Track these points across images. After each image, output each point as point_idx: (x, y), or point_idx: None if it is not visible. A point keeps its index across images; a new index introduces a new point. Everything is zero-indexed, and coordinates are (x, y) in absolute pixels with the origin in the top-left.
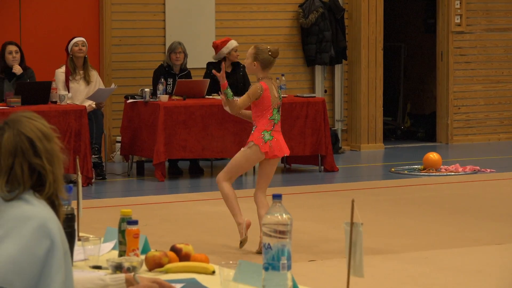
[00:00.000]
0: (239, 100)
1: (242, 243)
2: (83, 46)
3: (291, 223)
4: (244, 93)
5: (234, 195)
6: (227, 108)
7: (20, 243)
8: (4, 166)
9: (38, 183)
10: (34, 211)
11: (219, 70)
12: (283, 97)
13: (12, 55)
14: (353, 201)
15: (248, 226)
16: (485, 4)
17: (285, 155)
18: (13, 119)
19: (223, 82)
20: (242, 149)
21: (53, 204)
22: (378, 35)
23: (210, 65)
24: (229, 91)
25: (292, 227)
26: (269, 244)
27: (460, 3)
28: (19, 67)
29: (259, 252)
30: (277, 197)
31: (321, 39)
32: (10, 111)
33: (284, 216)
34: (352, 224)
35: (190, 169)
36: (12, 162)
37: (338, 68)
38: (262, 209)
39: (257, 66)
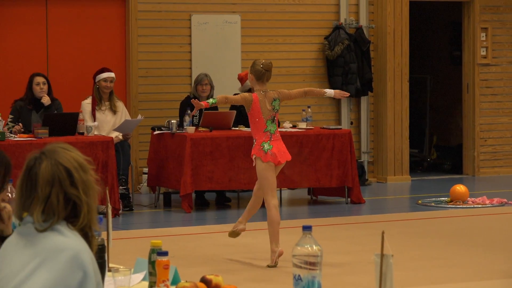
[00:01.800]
0: (232, 96)
1: (269, 266)
2: (111, 82)
3: (322, 254)
4: None
5: (277, 221)
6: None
7: (54, 274)
8: (41, 195)
9: (72, 214)
10: (68, 242)
11: None
12: (308, 128)
13: (40, 87)
14: (383, 233)
15: (280, 255)
16: (511, 36)
17: (288, 160)
18: (49, 149)
19: (204, 106)
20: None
21: (86, 235)
22: (404, 67)
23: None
24: (210, 100)
25: (322, 258)
26: (299, 275)
27: (485, 35)
28: (48, 97)
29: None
30: (307, 228)
31: (347, 71)
32: (38, 142)
33: (315, 247)
34: (382, 256)
35: (216, 200)
36: (49, 191)
37: (364, 100)
38: (255, 201)
39: (252, 78)
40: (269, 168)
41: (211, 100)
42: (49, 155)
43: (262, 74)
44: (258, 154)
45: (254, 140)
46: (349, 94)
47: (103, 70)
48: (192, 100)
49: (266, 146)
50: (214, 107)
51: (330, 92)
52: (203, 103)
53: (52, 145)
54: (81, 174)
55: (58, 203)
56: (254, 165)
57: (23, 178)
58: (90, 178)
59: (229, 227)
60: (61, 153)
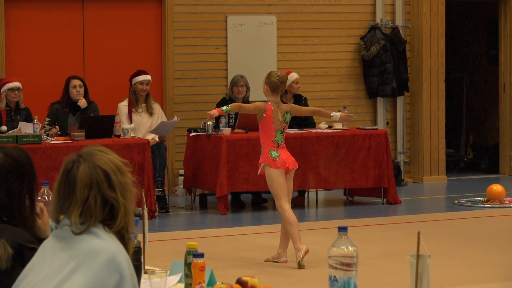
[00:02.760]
0: (245, 104)
1: (299, 264)
2: (147, 85)
3: (357, 255)
4: (305, 127)
5: (296, 222)
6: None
7: (90, 277)
8: (79, 198)
9: (109, 216)
10: (104, 245)
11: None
12: (344, 129)
13: (76, 89)
14: (419, 233)
15: (306, 252)
16: None
17: (295, 168)
18: (86, 152)
19: (217, 113)
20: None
21: (123, 238)
22: (440, 67)
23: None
24: (224, 108)
25: (358, 259)
26: (335, 276)
27: None
28: (84, 100)
29: (268, 260)
30: (342, 229)
31: (383, 71)
32: (74, 145)
33: (350, 248)
34: (418, 256)
35: (252, 201)
36: (88, 194)
37: (400, 100)
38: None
39: (267, 89)
40: (280, 174)
41: (225, 108)
42: (87, 158)
43: (277, 86)
44: (267, 162)
45: (262, 149)
46: (353, 115)
47: (139, 73)
48: (208, 112)
49: (274, 153)
50: None
51: (336, 115)
52: (217, 111)
53: (89, 148)
54: (119, 177)
55: (95, 206)
56: (259, 173)
57: (61, 181)
58: (127, 180)
59: (265, 228)
60: (99, 155)
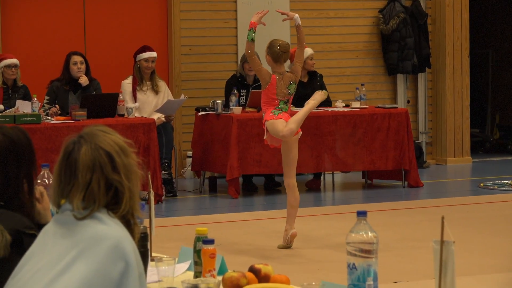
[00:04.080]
0: (258, 61)
1: (279, 247)
2: (153, 62)
3: (377, 241)
4: (320, 105)
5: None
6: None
7: (94, 265)
8: (81, 182)
9: (113, 201)
10: (108, 230)
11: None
12: (362, 108)
13: (77, 66)
14: (443, 218)
15: (293, 236)
16: None
17: (300, 134)
18: (88, 132)
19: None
20: (267, 138)
21: (128, 223)
22: (464, 42)
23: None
24: (251, 33)
25: (378, 246)
26: (354, 264)
27: None
28: (86, 77)
29: (282, 247)
30: (361, 214)
31: (403, 46)
32: (75, 125)
33: (370, 234)
34: (442, 242)
35: (265, 185)
36: (90, 178)
37: (421, 77)
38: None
39: (269, 60)
40: (282, 122)
41: (251, 35)
42: (89, 139)
43: (279, 55)
44: (270, 118)
45: (263, 113)
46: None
47: (144, 49)
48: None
49: (276, 112)
50: (258, 86)
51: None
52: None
53: (90, 128)
54: (123, 158)
55: (99, 190)
56: (265, 137)
57: (62, 164)
58: (132, 162)
59: (278, 213)
60: (101, 136)
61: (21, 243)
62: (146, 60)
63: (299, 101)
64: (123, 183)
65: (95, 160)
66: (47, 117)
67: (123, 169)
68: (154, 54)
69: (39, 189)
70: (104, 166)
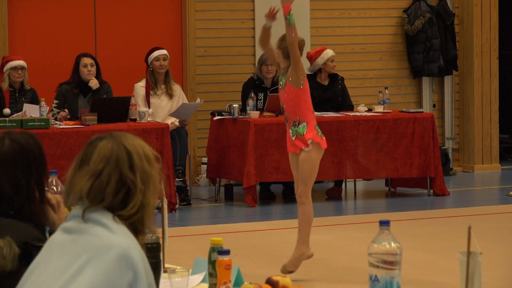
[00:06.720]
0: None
1: (284, 271)
2: (165, 60)
3: (401, 252)
4: (342, 110)
5: (312, 219)
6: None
7: (101, 275)
8: (92, 168)
9: (122, 205)
10: (116, 239)
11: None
12: (386, 112)
13: (87, 69)
14: (469, 228)
15: (308, 258)
16: None
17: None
18: (118, 132)
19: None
20: (303, 152)
21: (136, 232)
22: (492, 43)
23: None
24: (292, 17)
25: (401, 257)
26: (376, 275)
27: None
28: (96, 80)
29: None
30: (384, 223)
31: (429, 47)
32: (85, 130)
33: (393, 245)
34: (469, 254)
35: (283, 193)
36: (102, 168)
37: (448, 80)
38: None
39: (279, 55)
40: (319, 160)
41: (292, 19)
42: (116, 137)
43: (301, 48)
44: (316, 139)
45: (304, 122)
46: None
47: (153, 50)
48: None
49: (319, 130)
50: (276, 89)
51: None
52: (287, 7)
53: (121, 131)
54: (144, 163)
55: (108, 184)
56: (307, 150)
57: (80, 153)
58: (153, 171)
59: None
60: (129, 138)
61: (29, 256)
62: (157, 59)
63: (319, 104)
64: (136, 184)
65: (113, 153)
66: (56, 122)
67: (140, 171)
68: (164, 51)
69: (56, 198)
70: (120, 161)
